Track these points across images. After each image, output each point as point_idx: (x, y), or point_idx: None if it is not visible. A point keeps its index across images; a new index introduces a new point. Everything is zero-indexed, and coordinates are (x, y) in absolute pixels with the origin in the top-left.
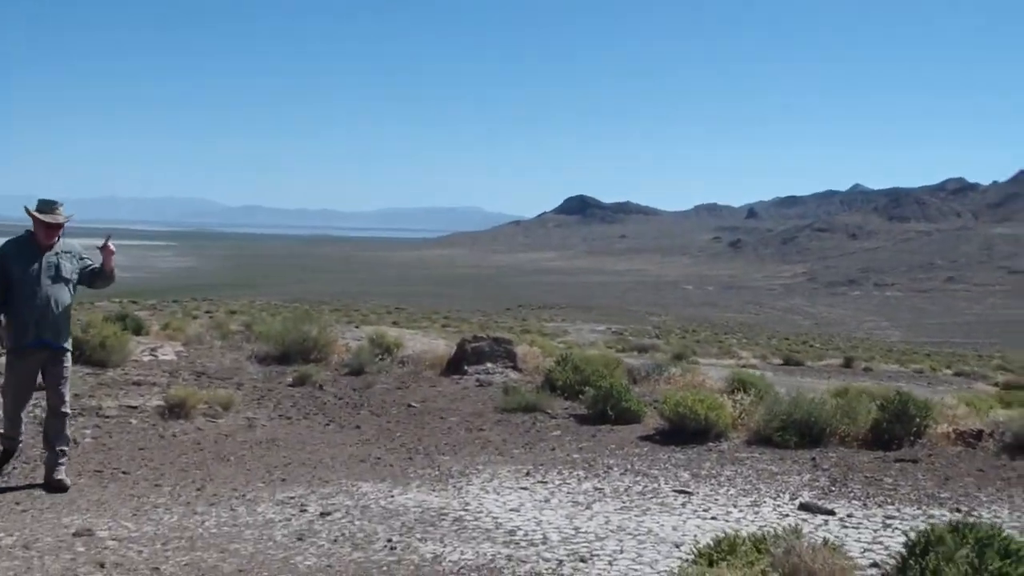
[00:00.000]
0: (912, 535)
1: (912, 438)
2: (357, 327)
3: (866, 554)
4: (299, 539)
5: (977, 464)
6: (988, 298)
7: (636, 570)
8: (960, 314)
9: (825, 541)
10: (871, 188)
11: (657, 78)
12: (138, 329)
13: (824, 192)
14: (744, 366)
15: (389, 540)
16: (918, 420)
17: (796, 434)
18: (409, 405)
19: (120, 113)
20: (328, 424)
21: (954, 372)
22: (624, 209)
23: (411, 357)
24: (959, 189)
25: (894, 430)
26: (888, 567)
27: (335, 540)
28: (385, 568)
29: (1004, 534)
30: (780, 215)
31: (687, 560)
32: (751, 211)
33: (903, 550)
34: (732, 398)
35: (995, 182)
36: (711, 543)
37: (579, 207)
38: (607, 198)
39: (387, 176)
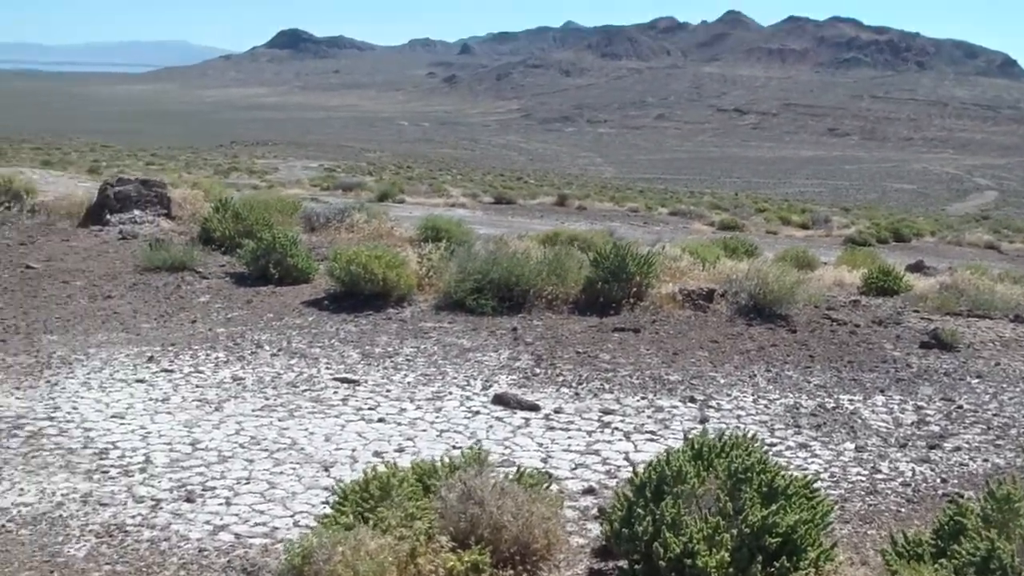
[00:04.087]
0: (641, 470)
1: (632, 300)
2: None
3: (578, 472)
4: None
5: (710, 333)
6: (698, 136)
7: (261, 512)
8: (671, 151)
9: (520, 474)
10: (584, 25)
11: None
12: None
13: (537, 28)
14: (453, 205)
15: None
16: (638, 278)
17: (494, 297)
18: (27, 267)
19: None
20: None
21: (669, 211)
22: (337, 44)
23: (45, 205)
24: (670, 28)
25: (611, 291)
26: (607, 498)
27: None
28: None
29: (765, 461)
30: (494, 51)
31: (329, 505)
32: (465, 47)
33: (628, 489)
34: (419, 252)
35: (704, 21)
36: (359, 483)
37: (291, 41)
38: (320, 32)
39: (88, 6)
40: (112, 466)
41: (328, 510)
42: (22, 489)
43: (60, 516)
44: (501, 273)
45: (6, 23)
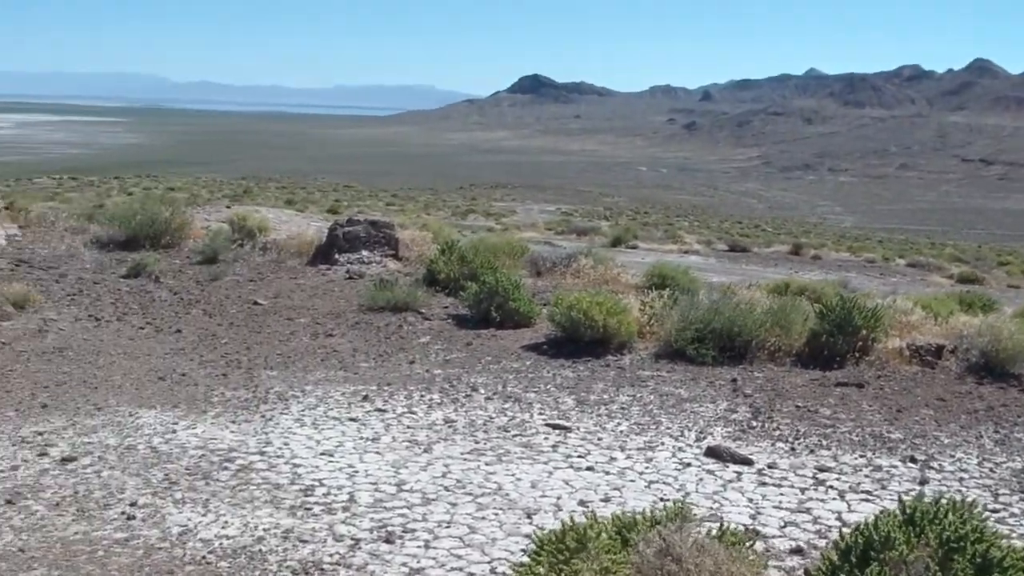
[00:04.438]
0: (848, 533)
1: (857, 355)
2: (229, 207)
3: (787, 530)
4: (8, 501)
5: (936, 391)
6: (941, 186)
7: (458, 556)
8: (913, 201)
9: (722, 531)
10: (826, 73)
11: None
12: None
13: (779, 76)
14: (687, 252)
15: (133, 503)
16: (865, 332)
17: (715, 347)
18: (255, 303)
19: None
20: (143, 327)
21: (907, 262)
22: (578, 89)
23: (276, 243)
24: (914, 76)
25: (836, 344)
26: (815, 560)
27: (58, 503)
28: (101, 552)
29: (981, 529)
30: (735, 98)
31: (526, 553)
32: (706, 93)
33: (834, 553)
34: (642, 299)
35: (950, 70)
36: (555, 533)
37: (533, 86)
38: (561, 78)
39: (338, 52)
40: (316, 503)
41: (524, 559)
42: (226, 522)
43: (260, 551)
44: (723, 323)
45: (260, 67)
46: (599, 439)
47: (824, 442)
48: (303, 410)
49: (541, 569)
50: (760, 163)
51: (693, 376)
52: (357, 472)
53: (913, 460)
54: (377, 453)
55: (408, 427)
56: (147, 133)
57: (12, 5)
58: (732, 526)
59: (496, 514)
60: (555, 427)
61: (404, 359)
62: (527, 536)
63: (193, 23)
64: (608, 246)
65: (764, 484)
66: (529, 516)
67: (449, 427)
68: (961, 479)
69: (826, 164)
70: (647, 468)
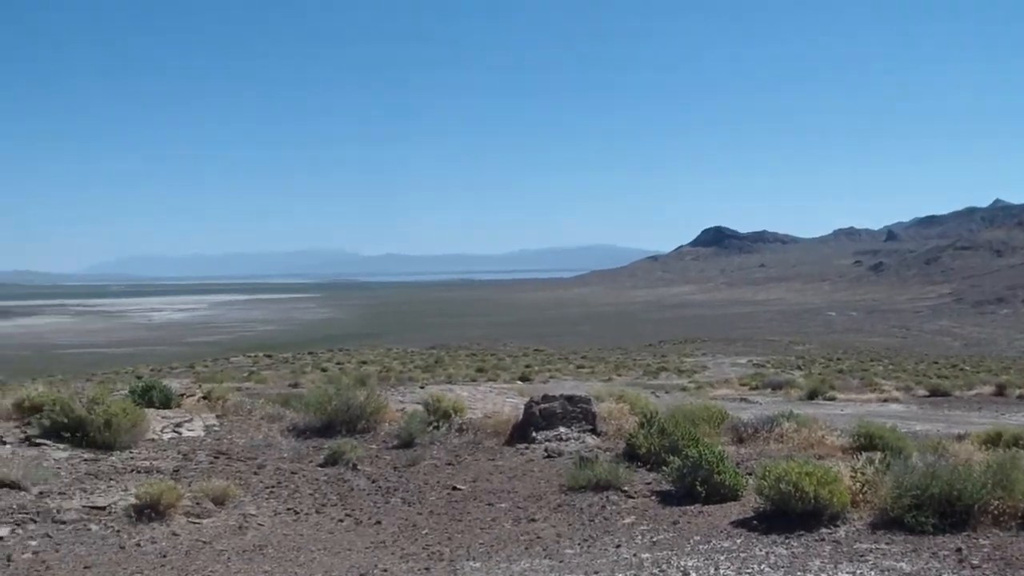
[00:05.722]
0: None
1: None
2: (422, 387)
3: None
4: None
5: None
6: None
7: None
8: None
9: None
10: (1013, 202)
11: (785, 102)
12: (166, 402)
13: (964, 209)
14: (886, 400)
15: None
16: None
17: (934, 514)
18: (454, 488)
19: (260, 171)
20: (343, 520)
21: None
22: (761, 238)
23: (472, 423)
24: None
25: None
26: None
27: None
28: None
29: None
30: (920, 235)
31: None
32: (890, 233)
33: None
34: (852, 466)
35: None
36: None
37: (715, 238)
38: (743, 228)
39: (520, 218)
40: None
41: None
42: None
43: None
44: (941, 487)
45: (441, 236)
46: None
47: None
48: None
49: None
50: (951, 300)
51: (914, 547)
52: None
53: None
54: None
55: None
56: (338, 307)
57: (214, 195)
58: None
59: None
60: None
61: (610, 543)
62: None
63: (377, 199)
64: (804, 399)
65: None
66: None
67: None
68: None
69: (1020, 296)
70: None
